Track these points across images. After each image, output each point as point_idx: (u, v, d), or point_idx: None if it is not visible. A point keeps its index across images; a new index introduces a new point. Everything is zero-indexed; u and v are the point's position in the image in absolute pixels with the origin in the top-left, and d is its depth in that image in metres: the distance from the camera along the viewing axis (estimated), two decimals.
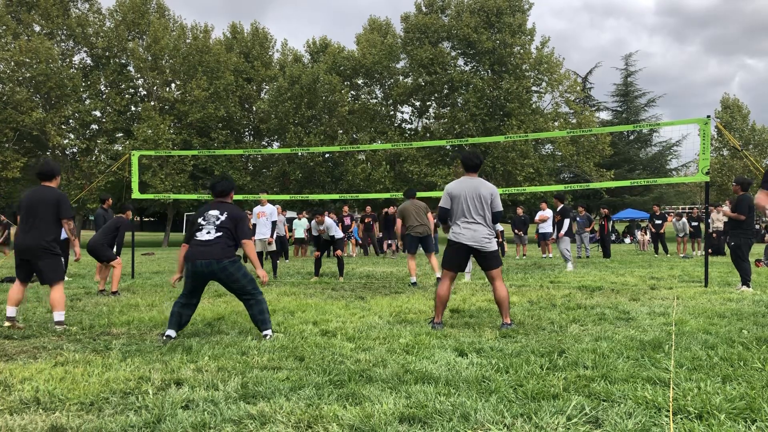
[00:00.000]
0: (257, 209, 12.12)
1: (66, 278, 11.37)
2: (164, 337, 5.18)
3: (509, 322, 5.70)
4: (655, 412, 3.13)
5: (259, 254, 11.97)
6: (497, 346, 4.77)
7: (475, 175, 5.96)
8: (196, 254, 5.29)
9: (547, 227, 17.03)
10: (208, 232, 5.39)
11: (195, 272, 5.27)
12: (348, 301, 7.77)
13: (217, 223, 5.44)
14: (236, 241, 5.48)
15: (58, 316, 5.92)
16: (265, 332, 5.29)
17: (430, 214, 10.37)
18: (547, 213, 16.84)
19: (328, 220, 11.45)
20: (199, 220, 5.53)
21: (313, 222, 11.65)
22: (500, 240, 20.17)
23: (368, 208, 21.07)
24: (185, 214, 50.90)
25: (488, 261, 5.78)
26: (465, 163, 6.00)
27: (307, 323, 5.94)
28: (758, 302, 7.20)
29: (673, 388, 3.49)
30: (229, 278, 5.32)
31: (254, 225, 11.91)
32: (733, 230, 8.91)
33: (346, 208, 21.08)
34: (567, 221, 13.36)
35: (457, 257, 5.85)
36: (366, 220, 20.57)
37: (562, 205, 13.72)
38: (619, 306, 6.92)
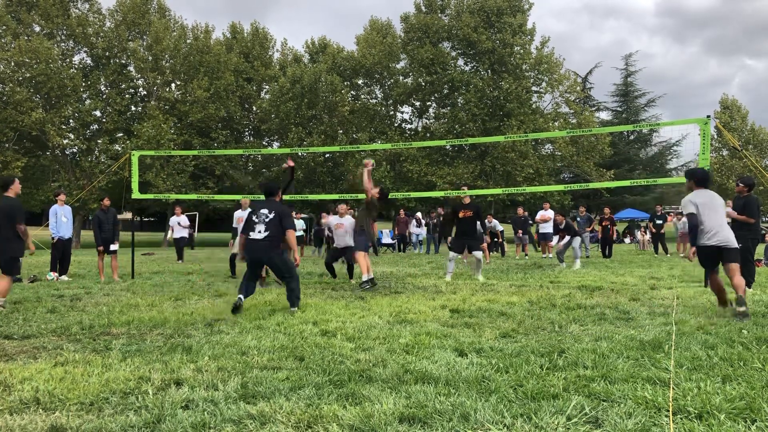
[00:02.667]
0: (238, 214, 11.99)
1: (65, 278, 11.37)
2: (237, 298, 6.62)
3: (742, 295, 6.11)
4: (655, 412, 3.13)
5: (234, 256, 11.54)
6: (497, 346, 4.77)
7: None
8: (251, 249, 6.83)
9: (547, 227, 17.01)
10: (259, 231, 6.77)
11: (251, 260, 6.90)
12: (348, 301, 7.77)
13: (266, 220, 6.79)
14: (283, 231, 6.84)
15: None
16: (292, 308, 6.75)
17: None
18: (549, 213, 16.82)
19: (348, 223, 10.65)
20: (253, 217, 6.88)
21: (333, 218, 11.25)
22: (500, 240, 20.15)
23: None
24: (185, 214, 50.86)
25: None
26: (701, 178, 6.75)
27: (307, 323, 5.94)
28: (758, 302, 7.20)
29: (673, 388, 3.49)
30: (273, 266, 7.11)
31: (235, 229, 11.72)
32: (740, 232, 8.75)
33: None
34: (567, 239, 13.82)
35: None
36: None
37: (565, 222, 13.93)
38: (619, 306, 6.92)
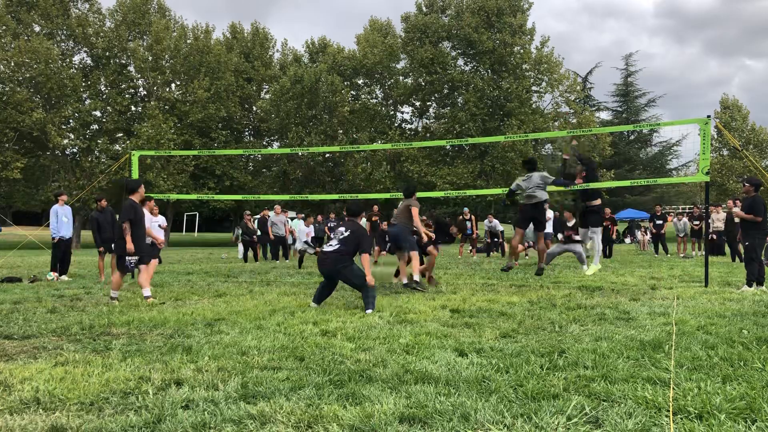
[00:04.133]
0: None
1: (65, 278, 11.37)
2: (310, 306, 7.11)
3: None
4: (655, 412, 3.13)
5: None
6: (497, 346, 4.77)
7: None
8: (320, 261, 7.31)
9: (547, 227, 16.96)
10: (330, 245, 7.27)
11: (321, 272, 7.32)
12: (348, 301, 7.77)
13: (341, 237, 7.25)
14: (356, 252, 7.19)
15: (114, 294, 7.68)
16: (367, 310, 6.82)
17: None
18: (548, 214, 16.79)
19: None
20: (332, 234, 7.57)
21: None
22: (500, 240, 20.14)
23: (375, 207, 20.96)
24: (185, 214, 50.88)
25: None
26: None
27: (307, 323, 5.94)
28: (758, 302, 7.20)
29: (673, 388, 3.49)
30: (342, 278, 7.17)
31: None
32: (747, 231, 8.85)
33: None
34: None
35: None
36: (373, 219, 20.45)
37: (575, 221, 13.83)
38: (619, 306, 6.92)
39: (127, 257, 7.74)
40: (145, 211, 8.87)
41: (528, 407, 3.21)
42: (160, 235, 10.00)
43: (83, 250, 27.12)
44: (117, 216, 11.81)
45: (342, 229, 7.37)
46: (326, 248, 7.30)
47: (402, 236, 9.06)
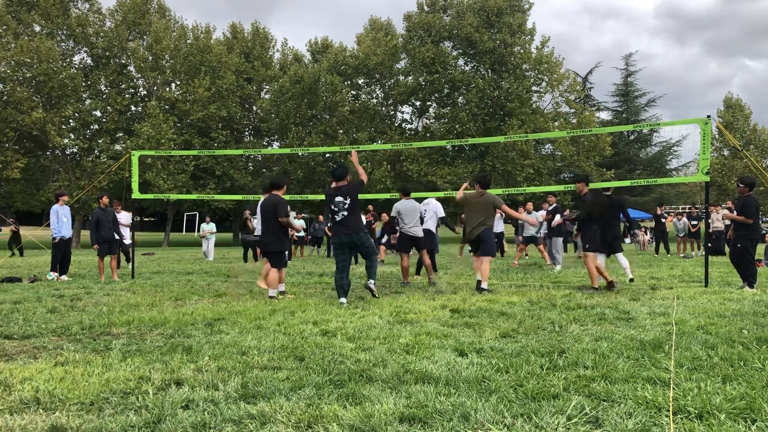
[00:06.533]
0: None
1: (65, 278, 11.37)
2: (340, 303, 7.20)
3: None
4: (655, 412, 3.13)
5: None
6: (497, 346, 4.77)
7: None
8: (339, 231, 7.49)
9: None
10: (342, 215, 7.46)
11: (340, 243, 7.51)
12: (348, 300, 7.77)
13: (345, 206, 7.48)
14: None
15: (272, 292, 7.99)
16: (370, 281, 7.62)
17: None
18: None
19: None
20: (332, 207, 7.54)
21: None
22: (500, 240, 20.09)
23: (370, 207, 20.94)
24: (185, 214, 50.84)
25: None
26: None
27: (307, 323, 5.94)
28: (758, 302, 7.20)
29: (673, 388, 3.49)
30: (359, 243, 7.53)
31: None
32: (740, 232, 8.78)
33: None
34: (557, 217, 13.09)
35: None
36: (367, 219, 20.42)
37: (555, 204, 13.62)
38: (619, 306, 6.92)
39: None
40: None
41: (528, 407, 3.21)
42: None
43: (83, 250, 27.13)
44: (116, 215, 11.89)
45: (339, 198, 7.49)
46: (340, 218, 7.48)
47: (488, 240, 8.68)
